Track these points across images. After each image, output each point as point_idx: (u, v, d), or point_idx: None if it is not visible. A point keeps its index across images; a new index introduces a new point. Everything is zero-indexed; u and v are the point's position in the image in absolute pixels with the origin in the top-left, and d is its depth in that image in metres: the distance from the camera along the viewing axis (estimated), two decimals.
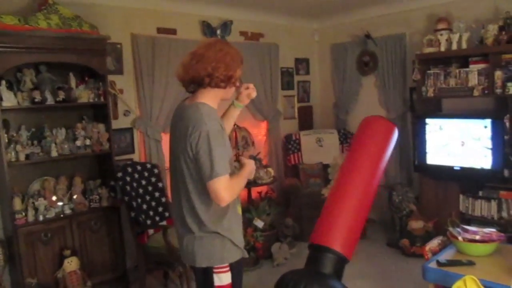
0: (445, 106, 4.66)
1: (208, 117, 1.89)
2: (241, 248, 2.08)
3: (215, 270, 2.00)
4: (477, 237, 2.77)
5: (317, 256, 2.72)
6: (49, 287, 3.37)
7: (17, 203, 3.35)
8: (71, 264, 3.42)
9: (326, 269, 2.67)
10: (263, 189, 4.95)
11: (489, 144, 3.94)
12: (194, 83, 1.99)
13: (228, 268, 2.02)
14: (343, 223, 2.71)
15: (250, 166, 2.05)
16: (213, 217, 1.97)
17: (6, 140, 3.32)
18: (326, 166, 5.34)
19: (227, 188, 1.85)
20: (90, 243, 3.67)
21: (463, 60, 4.23)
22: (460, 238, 2.81)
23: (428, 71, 4.44)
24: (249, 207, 4.59)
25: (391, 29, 5.11)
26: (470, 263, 2.63)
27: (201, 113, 1.89)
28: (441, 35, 4.27)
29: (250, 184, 4.78)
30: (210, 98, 2.00)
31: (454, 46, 4.19)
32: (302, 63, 6.01)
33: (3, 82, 3.26)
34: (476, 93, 4.04)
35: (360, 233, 2.82)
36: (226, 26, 4.93)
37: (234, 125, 4.86)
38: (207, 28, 4.79)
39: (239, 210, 2.14)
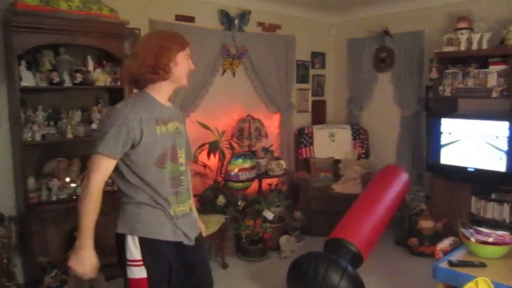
0: (461, 106, 4.61)
1: (125, 103, 1.87)
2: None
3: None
4: (490, 239, 2.76)
5: (339, 245, 3.26)
6: (59, 266, 3.39)
7: (31, 182, 3.39)
8: None
9: (345, 258, 3.14)
10: (274, 181, 4.96)
11: (504, 146, 3.90)
12: (134, 83, 1.96)
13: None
14: (368, 228, 3.42)
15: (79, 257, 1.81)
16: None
17: (23, 120, 3.35)
18: (337, 161, 5.33)
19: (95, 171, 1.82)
20: (100, 225, 3.66)
21: (482, 60, 4.18)
22: (472, 239, 2.80)
23: (446, 70, 4.39)
24: (259, 198, 4.60)
25: (410, 26, 5.06)
26: (482, 265, 2.62)
27: (126, 100, 1.92)
28: (461, 34, 4.22)
29: (261, 176, 4.79)
30: (155, 89, 1.94)
31: (474, 46, 4.14)
32: (318, 57, 5.97)
33: (23, 62, 3.28)
34: (494, 94, 4.00)
35: (375, 242, 3.54)
36: (244, 16, 4.91)
37: (248, 116, 4.90)
38: (225, 17, 4.78)
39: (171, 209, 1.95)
